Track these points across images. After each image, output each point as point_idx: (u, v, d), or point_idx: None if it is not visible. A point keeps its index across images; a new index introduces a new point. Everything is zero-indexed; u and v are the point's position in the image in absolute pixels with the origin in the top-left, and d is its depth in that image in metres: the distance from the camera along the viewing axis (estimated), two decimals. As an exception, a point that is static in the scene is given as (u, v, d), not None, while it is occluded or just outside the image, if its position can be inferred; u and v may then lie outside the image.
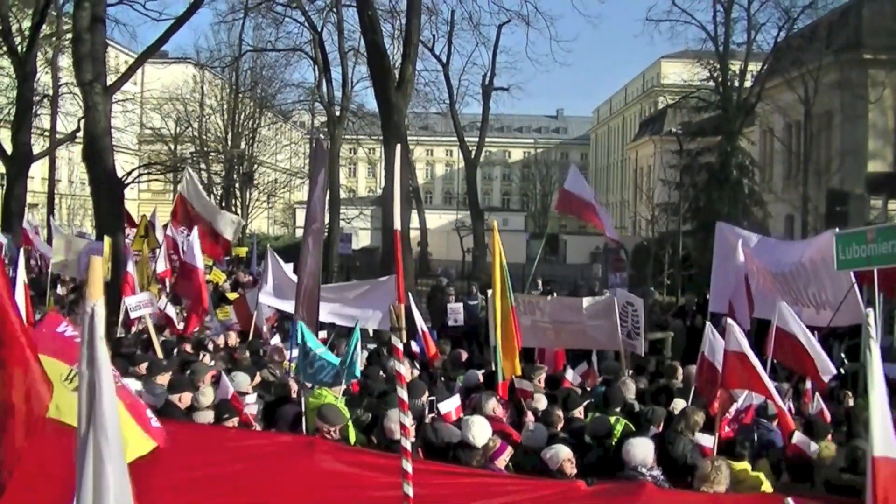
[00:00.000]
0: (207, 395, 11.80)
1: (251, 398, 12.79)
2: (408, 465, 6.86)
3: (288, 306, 19.01)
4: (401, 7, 40.14)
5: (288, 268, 20.16)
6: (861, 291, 15.73)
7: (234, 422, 11.05)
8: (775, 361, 14.84)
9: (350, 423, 11.32)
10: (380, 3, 39.38)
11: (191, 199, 25.49)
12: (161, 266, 23.89)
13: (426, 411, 12.27)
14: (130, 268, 19.88)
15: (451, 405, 12.27)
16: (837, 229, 16.59)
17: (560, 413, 12.07)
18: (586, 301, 17.13)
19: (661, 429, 11.64)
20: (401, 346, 7.06)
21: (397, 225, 7.65)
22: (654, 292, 34.41)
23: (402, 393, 7.12)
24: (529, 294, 22.75)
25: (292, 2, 47.90)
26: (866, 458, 6.75)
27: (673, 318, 25.32)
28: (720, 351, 11.80)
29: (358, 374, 12.77)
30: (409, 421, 7.23)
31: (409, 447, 6.98)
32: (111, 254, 21.91)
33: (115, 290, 20.59)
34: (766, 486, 10.08)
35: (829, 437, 11.36)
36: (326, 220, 43.28)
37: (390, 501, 6.94)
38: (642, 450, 9.79)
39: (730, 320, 12.46)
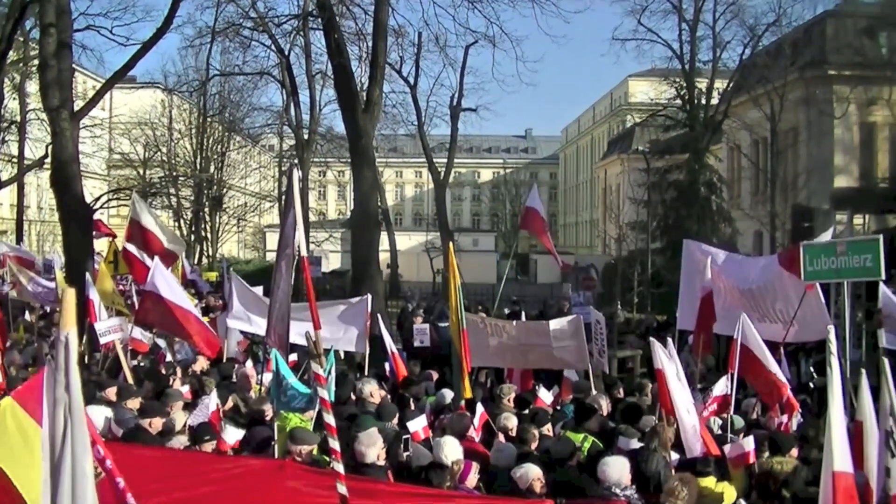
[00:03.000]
0: (179, 420, 11.79)
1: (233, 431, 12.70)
2: (342, 489, 7.05)
3: (256, 328, 18.96)
4: (367, 30, 39.96)
5: (254, 289, 20.12)
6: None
7: (213, 444, 11.04)
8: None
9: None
10: (346, 27, 39.31)
11: (141, 220, 25.07)
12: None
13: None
14: (92, 293, 19.58)
15: (418, 424, 12.30)
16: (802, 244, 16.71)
17: (536, 431, 12.06)
18: (553, 324, 17.13)
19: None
20: (321, 372, 7.25)
21: (304, 251, 7.94)
22: (623, 312, 34.52)
23: (329, 418, 7.42)
24: (497, 315, 22.83)
25: (259, 26, 47.79)
26: (825, 471, 6.83)
27: (638, 337, 25.39)
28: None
29: (332, 399, 12.72)
30: (337, 445, 7.38)
31: (341, 470, 7.20)
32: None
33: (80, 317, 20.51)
34: (730, 496, 10.16)
35: (795, 451, 11.43)
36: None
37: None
38: (618, 469, 9.75)
39: (668, 339, 12.59)
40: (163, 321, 18.56)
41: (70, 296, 5.02)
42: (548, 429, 12.63)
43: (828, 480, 6.69)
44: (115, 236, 29.18)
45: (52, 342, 21.18)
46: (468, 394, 14.44)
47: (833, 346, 6.91)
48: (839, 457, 6.63)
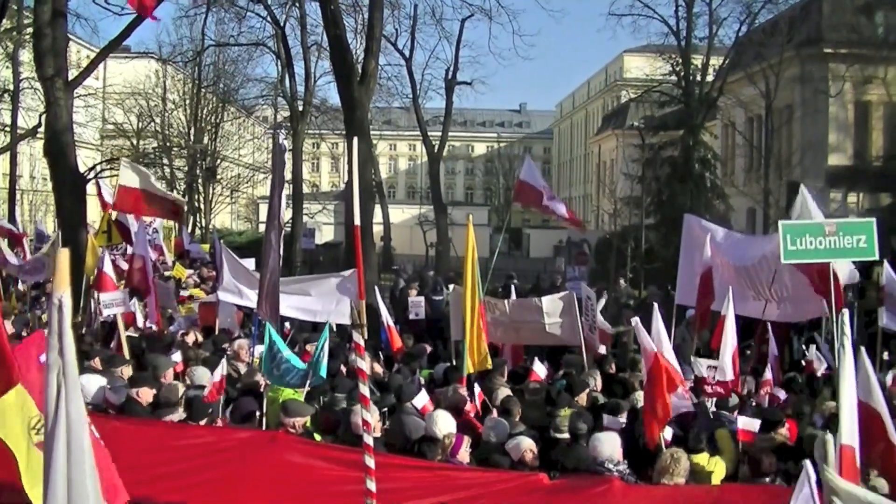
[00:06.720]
0: (176, 391, 11.75)
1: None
2: (370, 461, 6.87)
3: (246, 301, 18.95)
4: (363, 1, 39.99)
5: (244, 261, 20.09)
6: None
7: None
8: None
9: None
10: (342, -2, 39.15)
11: (131, 183, 25.00)
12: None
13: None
14: (107, 266, 19.52)
15: (422, 400, 12.27)
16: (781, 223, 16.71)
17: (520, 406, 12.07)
18: (546, 302, 17.09)
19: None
20: (362, 342, 7.04)
21: (357, 220, 7.62)
22: (625, 286, 34.39)
23: (364, 389, 7.13)
24: (491, 289, 22.80)
25: (255, -4, 47.65)
26: (834, 446, 6.83)
27: (635, 312, 25.32)
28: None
29: (324, 374, 12.59)
30: (370, 417, 7.22)
31: (371, 442, 6.98)
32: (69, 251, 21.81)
33: (75, 286, 20.48)
34: (720, 473, 10.21)
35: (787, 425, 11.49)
36: (289, 216, 43.18)
37: (354, 495, 6.97)
38: (610, 445, 9.75)
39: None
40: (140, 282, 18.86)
41: (64, 257, 4.90)
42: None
43: (836, 454, 6.72)
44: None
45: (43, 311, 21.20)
46: (488, 364, 14.41)
47: (846, 327, 6.91)
48: (847, 431, 6.67)
